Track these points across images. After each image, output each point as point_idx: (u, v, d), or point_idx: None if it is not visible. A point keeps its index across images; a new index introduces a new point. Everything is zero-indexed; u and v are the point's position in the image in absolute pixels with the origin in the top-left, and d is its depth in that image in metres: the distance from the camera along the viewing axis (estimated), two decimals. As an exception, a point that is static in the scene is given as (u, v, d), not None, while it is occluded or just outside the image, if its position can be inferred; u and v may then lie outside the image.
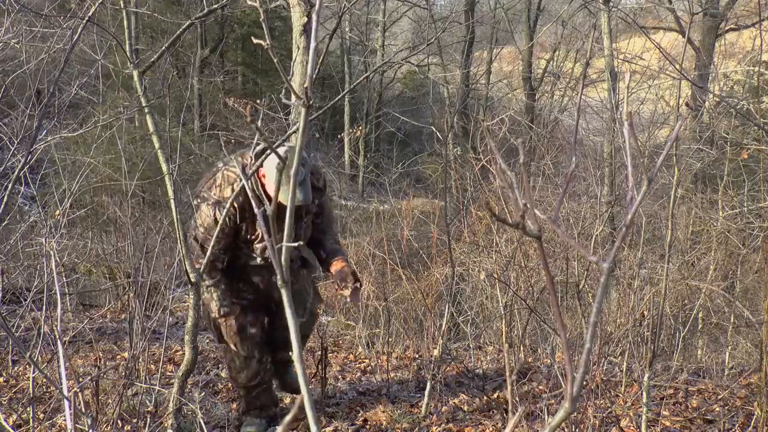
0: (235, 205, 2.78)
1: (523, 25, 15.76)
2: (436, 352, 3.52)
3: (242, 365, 3.07)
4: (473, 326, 4.81)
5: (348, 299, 3.00)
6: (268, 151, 2.72)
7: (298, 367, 0.74)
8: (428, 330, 3.99)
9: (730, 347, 4.98)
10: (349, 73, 16.53)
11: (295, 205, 2.71)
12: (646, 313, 3.47)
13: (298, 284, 3.17)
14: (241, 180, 2.78)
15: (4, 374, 3.80)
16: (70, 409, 1.26)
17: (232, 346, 3.03)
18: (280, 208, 2.70)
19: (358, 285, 2.96)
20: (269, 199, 2.74)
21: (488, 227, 4.81)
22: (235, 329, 2.95)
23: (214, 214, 2.82)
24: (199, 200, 2.89)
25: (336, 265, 3.01)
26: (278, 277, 0.75)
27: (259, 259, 2.98)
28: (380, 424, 3.26)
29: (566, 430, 2.54)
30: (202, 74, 16.96)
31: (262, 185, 2.79)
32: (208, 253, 2.76)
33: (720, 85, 9.89)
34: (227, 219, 2.78)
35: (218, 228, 2.73)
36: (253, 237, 2.91)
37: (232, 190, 2.79)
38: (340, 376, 4.03)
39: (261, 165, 2.70)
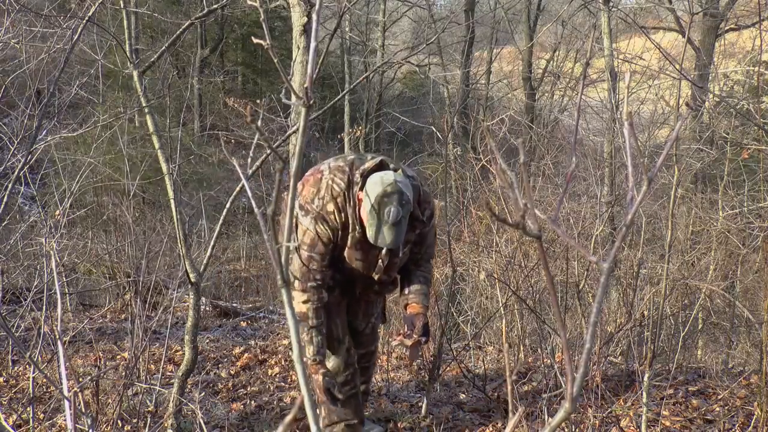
0: (337, 221, 2.60)
1: (523, 25, 15.74)
2: (435, 352, 3.51)
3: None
4: (473, 326, 4.81)
5: (406, 350, 2.69)
6: (373, 174, 2.54)
7: (298, 367, 0.75)
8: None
9: (730, 347, 4.98)
10: (349, 73, 16.50)
11: (383, 246, 2.53)
12: (646, 313, 3.48)
13: (370, 299, 2.92)
14: (345, 195, 2.59)
15: (4, 374, 3.81)
16: (70, 409, 1.26)
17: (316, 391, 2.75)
18: (366, 236, 2.57)
19: (423, 339, 2.67)
20: (362, 223, 2.57)
21: (488, 227, 4.81)
22: (322, 385, 2.65)
23: (316, 229, 2.61)
24: (299, 212, 2.66)
25: (411, 308, 2.73)
26: (278, 277, 0.75)
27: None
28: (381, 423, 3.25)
29: (566, 430, 2.54)
30: (202, 74, 16.95)
31: (359, 208, 2.58)
32: (317, 265, 2.57)
33: (720, 85, 9.89)
34: (330, 233, 2.61)
35: (321, 244, 2.56)
36: (345, 256, 2.71)
37: (335, 204, 2.59)
38: (340, 376, 4.02)
39: (363, 186, 2.56)
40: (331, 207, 2.59)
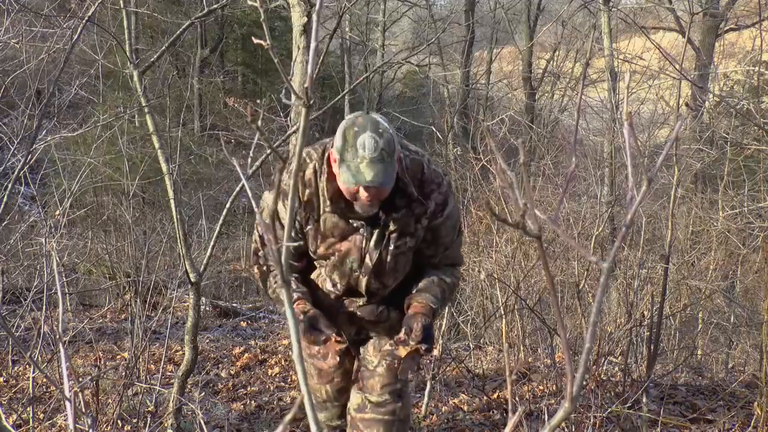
0: (300, 197, 2.11)
1: (523, 25, 15.76)
2: (435, 352, 3.51)
3: (319, 407, 2.42)
4: (473, 326, 4.81)
5: (398, 363, 2.10)
6: (343, 125, 1.98)
7: (298, 367, 0.74)
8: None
9: (730, 347, 4.98)
10: (349, 73, 16.52)
11: (363, 184, 1.91)
12: (646, 313, 3.48)
13: (377, 329, 2.30)
14: (316, 165, 2.09)
15: (4, 374, 3.81)
16: (71, 410, 1.27)
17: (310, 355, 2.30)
18: (346, 202, 2.03)
19: (422, 347, 2.01)
20: (333, 193, 2.04)
21: (488, 227, 4.80)
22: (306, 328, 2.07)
23: (275, 204, 2.06)
24: (269, 186, 2.28)
25: (412, 308, 2.11)
26: (279, 276, 0.75)
27: (329, 284, 2.22)
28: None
29: (566, 430, 2.54)
30: (202, 74, 16.96)
31: (334, 176, 2.02)
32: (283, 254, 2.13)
33: (720, 85, 9.89)
34: (293, 214, 2.11)
35: (280, 226, 2.06)
36: (313, 250, 2.17)
37: (302, 178, 2.10)
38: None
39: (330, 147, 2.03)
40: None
